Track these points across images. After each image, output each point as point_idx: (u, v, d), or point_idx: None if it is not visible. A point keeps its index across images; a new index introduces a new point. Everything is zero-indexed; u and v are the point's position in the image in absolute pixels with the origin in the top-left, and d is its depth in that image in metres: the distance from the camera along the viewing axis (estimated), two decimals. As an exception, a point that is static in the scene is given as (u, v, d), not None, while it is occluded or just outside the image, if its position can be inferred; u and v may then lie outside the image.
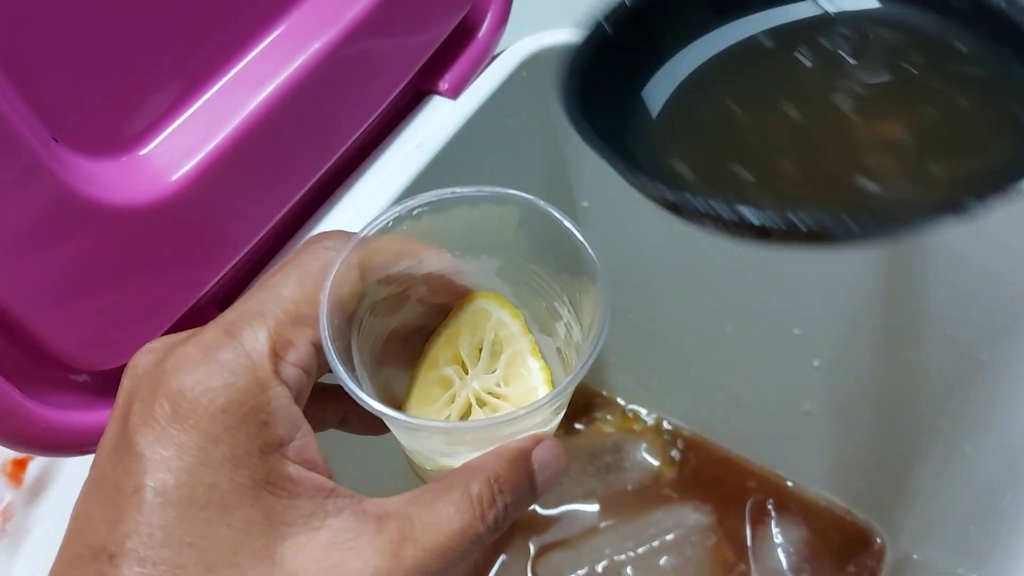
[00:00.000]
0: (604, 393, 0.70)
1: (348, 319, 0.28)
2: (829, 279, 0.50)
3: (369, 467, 0.39)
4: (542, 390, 0.30)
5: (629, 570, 0.60)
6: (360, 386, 0.26)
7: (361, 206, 0.44)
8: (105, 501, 0.25)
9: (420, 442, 0.29)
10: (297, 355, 0.27)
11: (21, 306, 0.31)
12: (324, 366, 0.28)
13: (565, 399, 0.29)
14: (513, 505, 0.28)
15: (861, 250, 0.46)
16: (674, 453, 0.66)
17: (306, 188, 0.41)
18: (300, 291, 0.27)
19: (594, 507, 0.64)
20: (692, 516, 0.62)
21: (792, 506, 0.63)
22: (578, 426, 0.69)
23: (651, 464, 0.66)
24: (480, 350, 0.31)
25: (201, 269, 0.37)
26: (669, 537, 0.61)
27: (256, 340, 0.26)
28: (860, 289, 0.48)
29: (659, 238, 0.55)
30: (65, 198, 0.31)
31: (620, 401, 0.70)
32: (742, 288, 0.54)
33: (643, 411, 0.69)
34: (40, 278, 0.31)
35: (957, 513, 0.50)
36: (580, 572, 0.61)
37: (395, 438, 0.30)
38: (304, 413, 0.33)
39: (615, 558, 0.61)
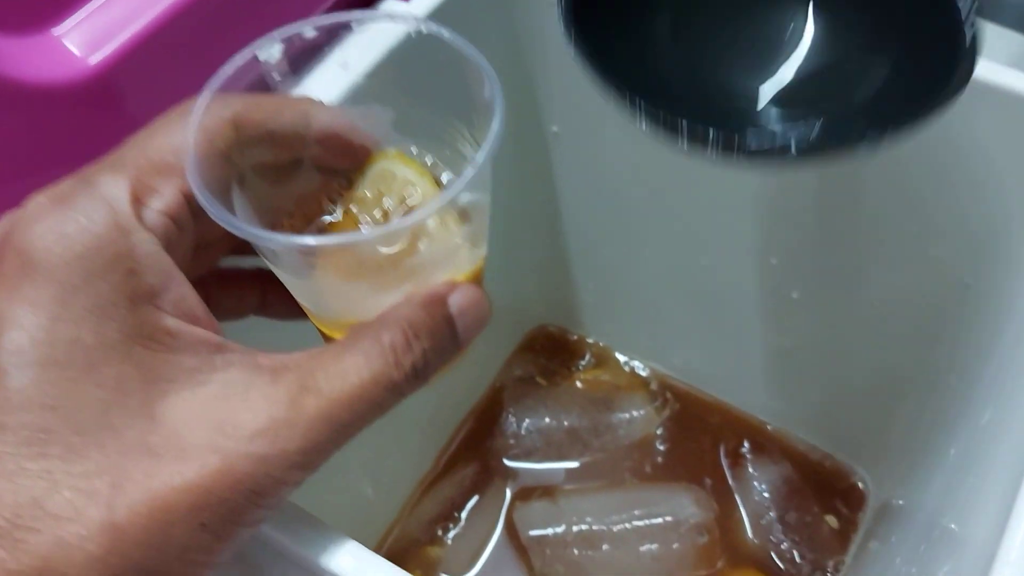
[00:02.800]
0: (580, 334, 0.68)
1: (224, 171, 0.25)
2: (806, 204, 0.47)
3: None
4: (458, 237, 0.27)
5: (606, 546, 0.57)
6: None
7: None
8: None
9: (305, 286, 0.26)
10: (163, 202, 0.24)
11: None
12: (204, 224, 0.25)
13: (470, 238, 0.26)
14: (433, 352, 0.25)
15: (838, 172, 0.44)
16: (655, 400, 0.64)
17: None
18: (165, 141, 0.25)
19: (574, 464, 0.62)
20: (688, 509, 0.58)
21: (772, 449, 0.60)
22: (535, 371, 0.67)
23: (632, 414, 0.63)
24: (388, 215, 0.28)
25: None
26: (658, 521, 0.57)
27: (115, 186, 0.24)
28: (839, 213, 0.46)
29: (632, 166, 0.52)
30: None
31: (597, 343, 0.67)
32: (718, 217, 0.51)
33: (622, 358, 0.67)
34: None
35: (943, 448, 0.47)
36: (556, 529, 0.58)
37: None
38: (217, 299, 0.30)
39: (594, 527, 0.57)
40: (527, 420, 0.62)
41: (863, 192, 0.44)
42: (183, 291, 0.24)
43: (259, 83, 0.27)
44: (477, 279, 0.28)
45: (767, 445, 0.61)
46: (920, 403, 0.50)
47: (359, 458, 0.57)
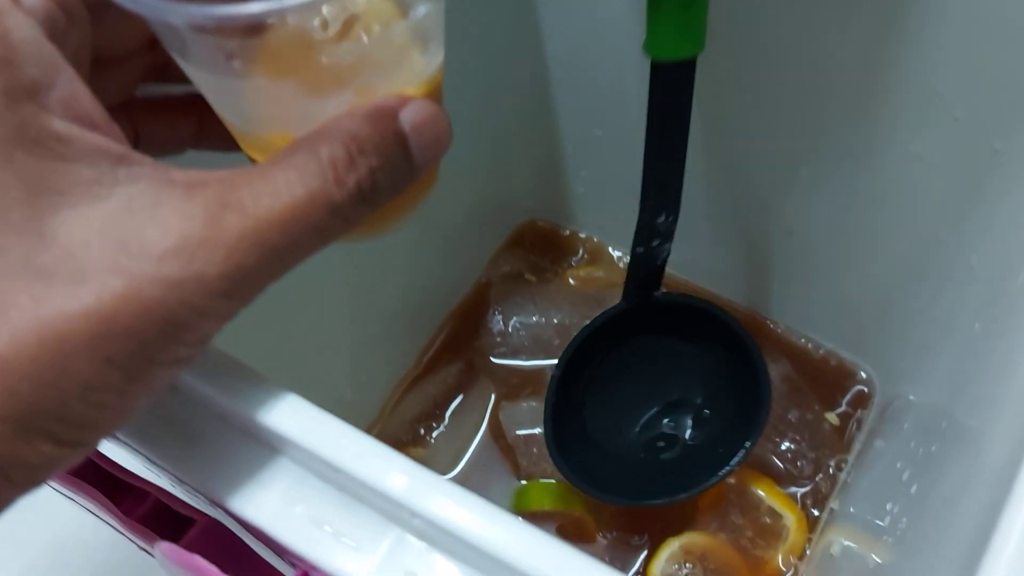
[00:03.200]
0: (572, 229, 0.64)
1: None
2: (819, 55, 0.42)
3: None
4: (405, 30, 0.22)
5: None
6: None
7: None
8: None
9: (222, 85, 0.22)
10: None
11: None
12: (103, 26, 0.21)
13: (430, 38, 0.22)
14: (383, 170, 0.22)
15: (856, 29, 0.39)
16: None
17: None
18: None
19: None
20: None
21: (772, 347, 0.57)
22: (524, 267, 0.63)
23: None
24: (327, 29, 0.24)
25: None
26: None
27: None
28: (854, 66, 0.41)
29: (631, 33, 0.48)
30: None
31: (590, 237, 0.63)
32: (723, 87, 0.47)
33: (617, 253, 0.63)
34: None
35: (959, 342, 0.44)
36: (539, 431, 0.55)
37: None
38: (148, 131, 0.27)
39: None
40: (515, 318, 0.59)
41: (884, 44, 0.39)
42: (74, 88, 0.20)
43: None
44: (434, 94, 0.24)
45: (767, 343, 0.57)
46: (935, 289, 0.47)
47: (337, 358, 0.54)
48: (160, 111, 0.27)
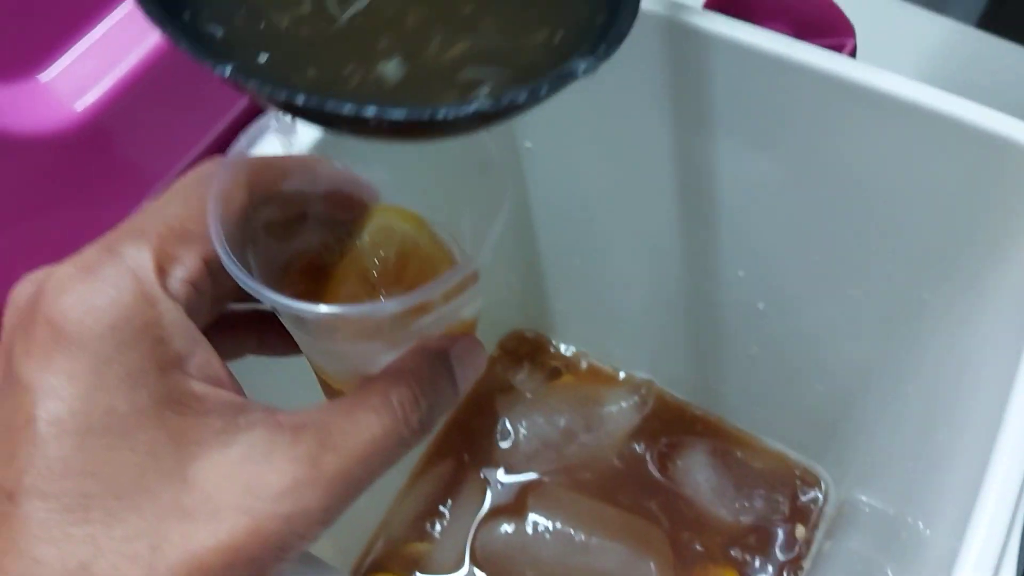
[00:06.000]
0: (554, 340, 0.69)
1: (240, 234, 0.26)
2: (775, 218, 0.49)
3: (285, 390, 0.37)
4: (467, 296, 0.28)
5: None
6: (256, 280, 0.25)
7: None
8: None
9: (321, 346, 0.28)
10: (185, 271, 0.25)
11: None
12: (222, 286, 0.26)
13: (474, 294, 0.28)
14: (438, 404, 0.27)
15: (803, 193, 0.46)
16: (625, 402, 0.65)
17: (228, 120, 0.39)
18: (183, 209, 0.26)
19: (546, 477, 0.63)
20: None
21: (736, 448, 0.63)
22: (520, 377, 0.68)
23: (621, 405, 0.65)
24: (386, 268, 0.30)
25: (118, 201, 0.35)
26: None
27: (139, 255, 0.25)
28: (805, 225, 0.48)
29: (605, 181, 0.54)
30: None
31: (569, 348, 0.69)
32: (688, 231, 0.53)
33: (596, 363, 0.68)
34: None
35: (900, 455, 0.50)
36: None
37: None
38: (216, 342, 0.32)
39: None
40: (522, 426, 0.63)
41: (824, 211, 0.46)
42: (208, 355, 0.25)
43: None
44: (473, 328, 0.29)
45: (731, 445, 0.63)
46: (879, 409, 0.53)
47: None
48: (229, 328, 0.32)
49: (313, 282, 0.30)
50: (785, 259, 0.50)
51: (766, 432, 0.63)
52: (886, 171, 0.42)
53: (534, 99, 0.22)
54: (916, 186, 0.42)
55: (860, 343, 0.51)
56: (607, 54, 0.23)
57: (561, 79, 0.22)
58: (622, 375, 0.66)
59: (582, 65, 0.22)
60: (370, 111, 0.21)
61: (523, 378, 0.68)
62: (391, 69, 0.24)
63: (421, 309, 0.26)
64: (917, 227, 0.44)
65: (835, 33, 0.43)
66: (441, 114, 0.21)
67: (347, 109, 0.21)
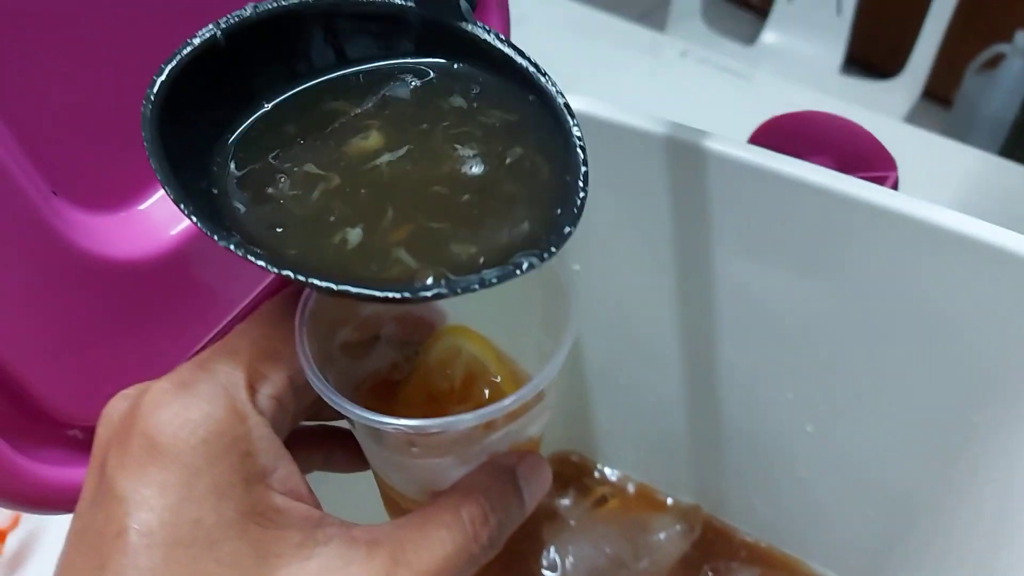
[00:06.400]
0: (599, 464, 0.70)
1: (321, 354, 0.28)
2: (825, 342, 0.50)
3: (355, 502, 0.38)
4: (535, 411, 0.29)
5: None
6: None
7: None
8: (88, 550, 0.24)
9: (395, 460, 0.29)
10: (273, 388, 0.27)
11: (16, 361, 0.31)
12: (301, 403, 0.28)
13: (541, 411, 0.29)
14: (506, 523, 0.28)
15: (846, 313, 0.47)
16: (673, 529, 0.65)
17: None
18: (272, 330, 0.28)
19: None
20: None
21: (784, 575, 0.62)
22: (565, 502, 0.68)
23: (657, 539, 0.64)
24: (453, 387, 0.31)
25: (198, 323, 0.37)
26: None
27: (232, 373, 0.26)
28: (854, 348, 0.49)
29: (652, 304, 0.55)
30: (64, 252, 0.31)
31: (614, 472, 0.69)
32: (736, 354, 0.54)
33: (647, 486, 0.68)
34: (36, 333, 0.31)
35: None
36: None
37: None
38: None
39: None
40: (569, 554, 0.63)
41: (872, 335, 0.47)
42: (290, 470, 0.27)
43: None
44: (538, 445, 0.30)
45: (779, 571, 0.62)
46: (931, 533, 0.52)
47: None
48: (300, 444, 0.33)
49: (382, 400, 0.32)
50: (835, 382, 0.50)
51: (814, 557, 0.62)
52: (932, 297, 0.43)
53: (483, 287, 0.25)
54: (961, 311, 0.43)
55: (910, 466, 0.51)
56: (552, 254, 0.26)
57: (505, 275, 0.25)
58: (669, 501, 0.66)
59: (525, 263, 0.25)
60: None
61: (568, 503, 0.67)
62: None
63: (490, 426, 0.27)
64: (963, 350, 0.45)
65: (878, 167, 0.45)
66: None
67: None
